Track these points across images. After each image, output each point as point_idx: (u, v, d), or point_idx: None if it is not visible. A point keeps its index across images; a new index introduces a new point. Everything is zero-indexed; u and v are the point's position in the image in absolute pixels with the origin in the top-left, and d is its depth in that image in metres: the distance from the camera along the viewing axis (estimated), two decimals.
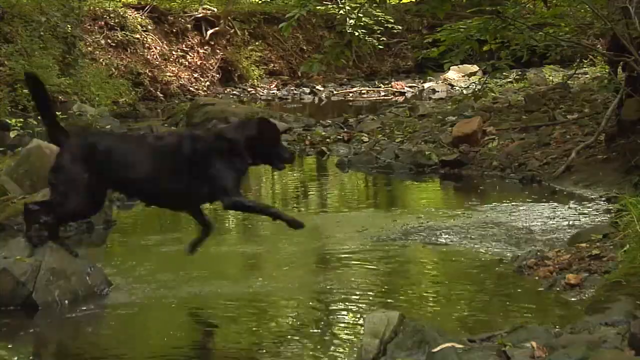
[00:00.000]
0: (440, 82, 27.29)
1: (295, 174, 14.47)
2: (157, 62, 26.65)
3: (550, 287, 6.64)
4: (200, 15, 28.80)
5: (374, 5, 14.13)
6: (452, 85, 26.36)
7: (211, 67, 28.24)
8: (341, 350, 5.60)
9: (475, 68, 26.20)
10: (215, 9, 29.46)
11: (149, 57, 26.54)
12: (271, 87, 28.97)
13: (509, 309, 6.29)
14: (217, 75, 28.27)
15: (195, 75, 27.70)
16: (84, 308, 6.61)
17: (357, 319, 6.07)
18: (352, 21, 12.29)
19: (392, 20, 19.85)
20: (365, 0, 11.89)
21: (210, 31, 28.71)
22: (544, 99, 15.98)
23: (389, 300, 6.60)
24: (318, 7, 12.78)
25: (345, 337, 5.85)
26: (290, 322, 6.24)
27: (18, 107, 18.67)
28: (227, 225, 9.99)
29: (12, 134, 15.48)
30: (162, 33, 27.69)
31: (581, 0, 10.09)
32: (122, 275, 7.49)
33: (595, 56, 18.59)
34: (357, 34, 12.44)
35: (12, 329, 6.26)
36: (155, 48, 27.00)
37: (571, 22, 11.68)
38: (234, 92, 27.73)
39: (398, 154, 13.44)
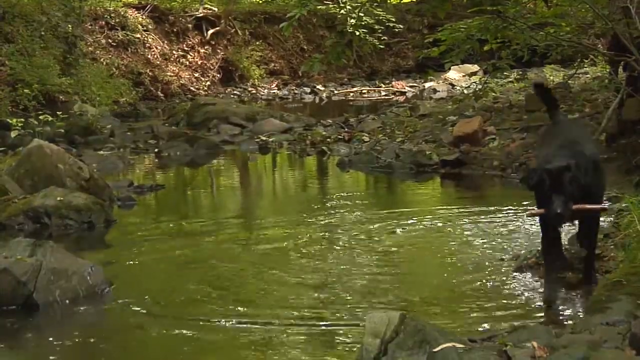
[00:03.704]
0: (441, 81, 27.27)
1: (295, 174, 14.48)
2: (158, 62, 26.65)
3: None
4: (201, 14, 28.80)
5: (375, 4, 14.12)
6: (453, 85, 26.35)
7: (212, 67, 28.24)
8: (342, 350, 5.60)
9: (476, 68, 26.21)
10: (216, 9, 29.46)
11: (149, 56, 26.54)
12: (272, 86, 28.97)
13: (509, 308, 6.28)
14: (218, 75, 28.27)
15: (196, 75, 27.70)
16: (85, 308, 6.62)
17: (357, 319, 6.06)
18: (353, 21, 12.28)
19: (393, 20, 19.86)
20: (366, 0, 11.87)
21: (210, 31, 28.71)
22: None
23: (389, 300, 6.60)
24: (319, 7, 12.78)
25: (345, 337, 5.85)
26: (290, 322, 6.24)
27: (19, 107, 18.69)
28: (227, 224, 9.99)
29: (13, 134, 15.50)
30: (162, 33, 27.69)
31: (582, 0, 10.08)
32: (123, 275, 7.49)
33: (596, 56, 18.55)
34: (358, 33, 12.44)
35: (13, 329, 6.27)
36: (156, 48, 27.00)
37: (572, 22, 11.65)
38: (235, 91, 27.73)
39: (399, 154, 13.44)
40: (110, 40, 25.92)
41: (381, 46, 17.12)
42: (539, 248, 7.59)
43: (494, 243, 8.18)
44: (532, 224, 8.73)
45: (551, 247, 6.49)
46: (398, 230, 8.99)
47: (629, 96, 11.19)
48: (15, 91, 19.05)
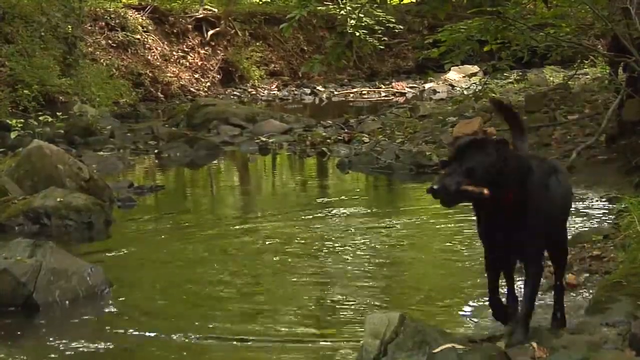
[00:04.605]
0: (441, 82, 27.27)
1: (295, 175, 14.49)
2: (158, 63, 26.64)
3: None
4: (201, 15, 28.79)
5: (375, 5, 14.13)
6: (453, 86, 26.35)
7: (212, 68, 28.23)
8: (342, 350, 5.59)
9: (475, 69, 26.19)
10: (216, 10, 29.45)
11: (149, 57, 26.53)
12: (272, 87, 28.96)
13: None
14: (218, 76, 28.26)
15: (196, 75, 27.69)
16: (85, 308, 6.62)
17: (357, 319, 6.06)
18: (353, 21, 12.28)
19: (393, 21, 19.85)
20: (366, 1, 11.88)
21: (210, 32, 28.70)
22: (545, 99, 15.97)
23: (388, 300, 6.60)
24: (319, 8, 12.77)
25: (345, 337, 5.84)
26: (290, 323, 6.24)
27: (19, 108, 18.68)
28: (227, 225, 9.99)
29: (12, 135, 15.49)
30: (162, 34, 27.68)
31: (582, 0, 10.09)
32: (123, 275, 7.49)
33: (596, 57, 18.57)
34: (358, 34, 12.45)
35: (13, 329, 6.27)
36: (156, 49, 26.99)
37: (572, 23, 11.66)
38: (235, 92, 27.72)
39: (399, 155, 13.44)
40: (110, 41, 25.91)
41: (381, 47, 17.06)
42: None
43: None
44: None
45: (492, 264, 5.07)
46: (398, 231, 8.99)
47: (628, 97, 11.19)
48: (15, 92, 19.04)
